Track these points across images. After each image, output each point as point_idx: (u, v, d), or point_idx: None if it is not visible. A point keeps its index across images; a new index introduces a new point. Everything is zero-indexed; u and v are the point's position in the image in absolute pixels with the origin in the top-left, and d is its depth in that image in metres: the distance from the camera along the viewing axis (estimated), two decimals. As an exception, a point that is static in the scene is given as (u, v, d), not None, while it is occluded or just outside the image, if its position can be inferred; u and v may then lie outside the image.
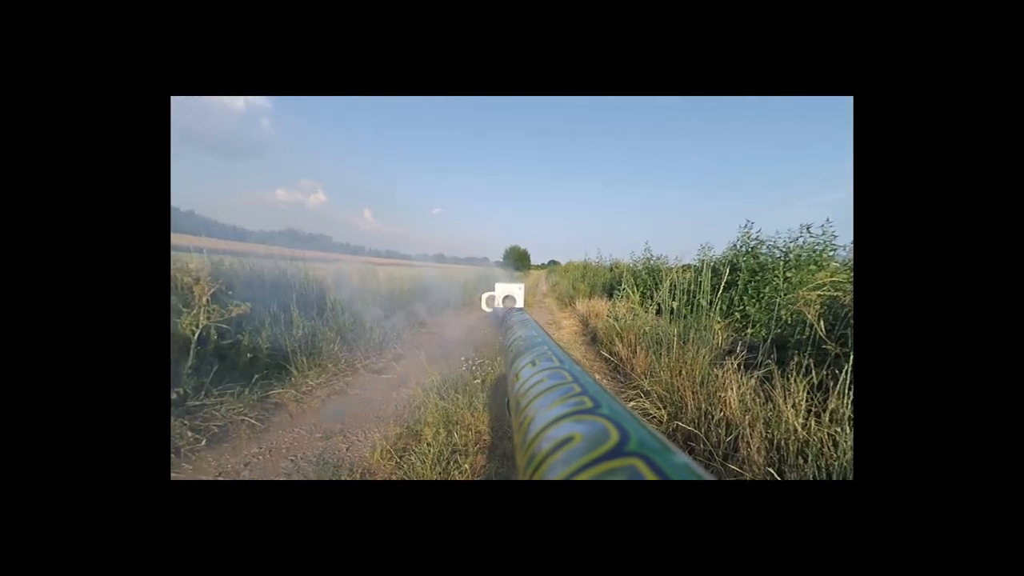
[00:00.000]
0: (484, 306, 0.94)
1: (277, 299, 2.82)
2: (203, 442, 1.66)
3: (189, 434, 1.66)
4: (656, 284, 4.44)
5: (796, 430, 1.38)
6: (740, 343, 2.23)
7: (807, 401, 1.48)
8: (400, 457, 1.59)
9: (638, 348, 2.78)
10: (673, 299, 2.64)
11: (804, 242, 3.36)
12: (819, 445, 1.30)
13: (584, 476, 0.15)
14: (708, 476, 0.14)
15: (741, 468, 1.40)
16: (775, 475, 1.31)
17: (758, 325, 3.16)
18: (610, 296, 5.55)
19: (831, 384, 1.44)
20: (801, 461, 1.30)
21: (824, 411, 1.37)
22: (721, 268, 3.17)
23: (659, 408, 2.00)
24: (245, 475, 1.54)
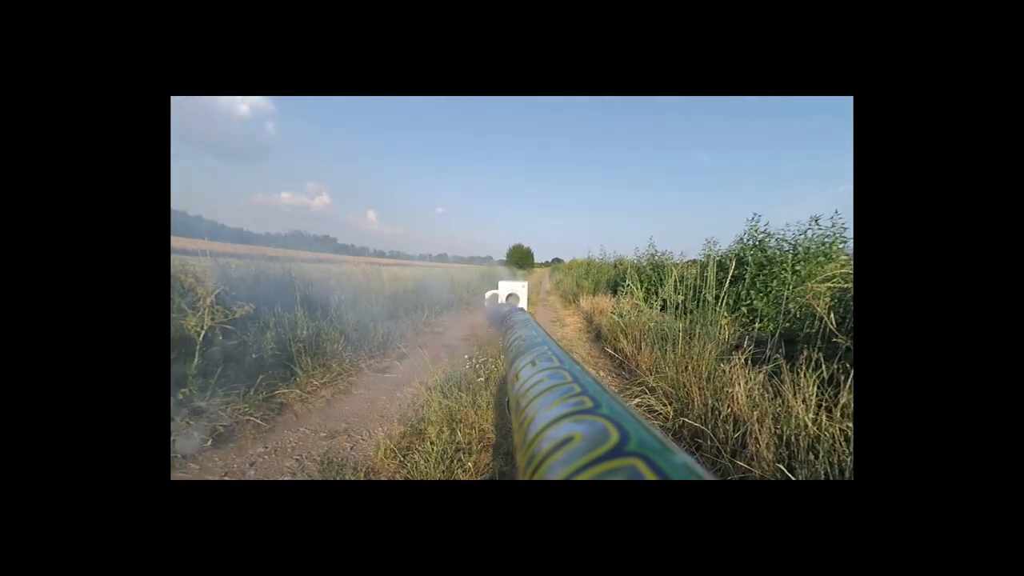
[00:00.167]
0: (487, 304, 0.94)
1: (282, 300, 2.84)
2: (209, 442, 1.67)
3: (195, 435, 1.67)
4: (660, 280, 4.40)
5: (807, 425, 1.35)
6: (747, 338, 2.20)
7: (817, 396, 1.45)
8: (404, 456, 1.59)
9: (643, 344, 2.75)
10: (678, 294, 2.61)
11: (813, 234, 3.30)
12: (831, 441, 1.27)
13: (584, 476, 0.15)
14: (708, 476, 0.14)
15: (749, 465, 1.38)
16: (786, 472, 1.28)
17: (766, 319, 3.12)
18: (614, 293, 5.52)
19: (842, 378, 1.41)
20: (812, 457, 1.27)
21: (835, 406, 1.34)
22: (727, 262, 3.12)
23: (665, 404, 1.97)
24: (251, 475, 1.54)
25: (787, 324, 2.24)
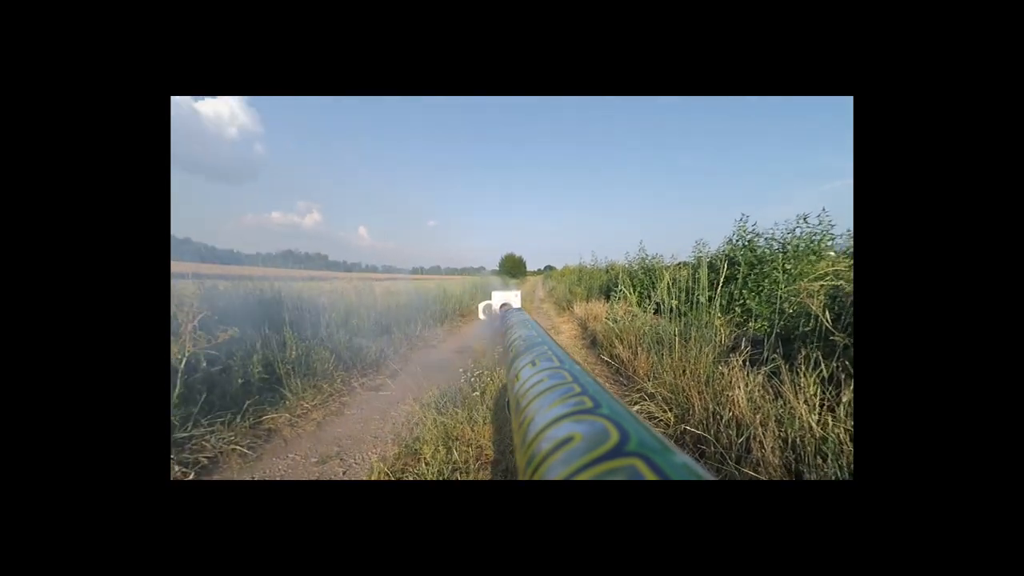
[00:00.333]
0: (481, 315, 0.94)
1: (271, 321, 2.76)
2: (191, 475, 1.59)
3: (176, 468, 1.58)
4: (653, 283, 4.40)
5: (811, 427, 1.32)
6: (743, 338, 2.18)
7: (819, 396, 1.42)
8: (398, 479, 1.52)
9: (639, 349, 2.72)
10: (671, 297, 2.59)
11: (801, 232, 3.33)
12: (838, 442, 1.24)
13: (584, 476, 0.15)
14: (708, 476, 0.14)
15: (755, 471, 1.34)
16: (794, 478, 1.24)
17: (760, 319, 3.12)
18: (607, 298, 5.51)
19: (843, 377, 1.38)
20: (820, 460, 1.23)
21: (838, 405, 1.32)
22: (718, 263, 3.13)
23: (665, 411, 1.93)
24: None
25: (782, 323, 2.23)
